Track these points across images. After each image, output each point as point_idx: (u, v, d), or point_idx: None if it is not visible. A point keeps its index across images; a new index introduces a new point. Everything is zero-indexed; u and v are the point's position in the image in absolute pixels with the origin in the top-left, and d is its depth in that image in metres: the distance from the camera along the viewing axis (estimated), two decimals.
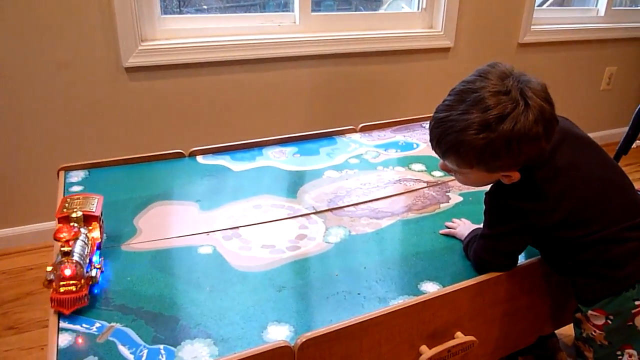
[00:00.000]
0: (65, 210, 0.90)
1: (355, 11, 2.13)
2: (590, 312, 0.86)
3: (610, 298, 0.83)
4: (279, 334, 0.78)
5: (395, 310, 0.80)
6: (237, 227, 1.08)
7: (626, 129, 1.93)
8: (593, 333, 0.88)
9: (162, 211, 1.13)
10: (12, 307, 1.49)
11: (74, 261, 0.78)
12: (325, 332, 0.75)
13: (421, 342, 0.86)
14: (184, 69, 1.73)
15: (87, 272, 0.81)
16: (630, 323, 0.84)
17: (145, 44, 1.66)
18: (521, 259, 0.95)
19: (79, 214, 0.89)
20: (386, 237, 1.05)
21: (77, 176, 1.25)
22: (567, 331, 1.21)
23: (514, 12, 2.24)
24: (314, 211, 1.15)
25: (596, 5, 2.60)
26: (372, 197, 1.22)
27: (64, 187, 1.20)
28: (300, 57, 1.87)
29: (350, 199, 1.21)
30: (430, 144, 0.87)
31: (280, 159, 1.42)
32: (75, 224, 0.86)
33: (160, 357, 0.74)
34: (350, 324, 0.77)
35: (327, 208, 1.17)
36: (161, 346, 0.75)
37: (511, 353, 1.07)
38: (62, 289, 0.77)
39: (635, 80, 2.78)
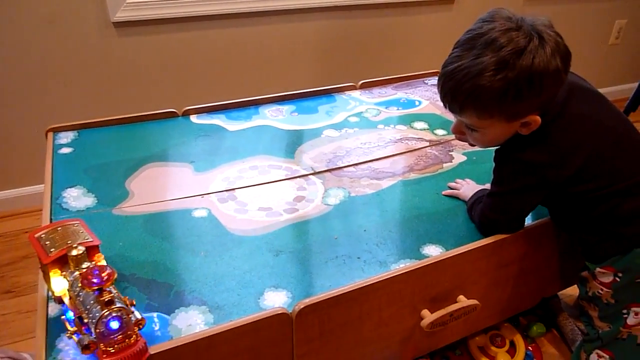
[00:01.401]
0: (53, 250, 0.68)
1: None
2: (598, 269, 0.84)
3: (620, 255, 0.81)
4: (276, 300, 0.76)
5: (397, 276, 0.77)
6: (233, 189, 1.05)
7: (636, 84, 1.87)
8: (600, 292, 0.86)
9: (155, 173, 1.09)
10: (9, 270, 1.48)
11: (118, 308, 0.59)
12: (323, 298, 0.72)
13: (423, 306, 0.84)
14: (177, 23, 1.65)
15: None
16: (638, 280, 0.82)
17: None
18: (527, 221, 0.91)
19: (82, 249, 0.66)
20: (387, 199, 1.02)
21: (66, 137, 1.21)
22: (568, 292, 1.19)
23: None
24: (312, 172, 1.11)
25: None
26: (373, 157, 1.17)
27: (53, 149, 1.15)
28: (299, 10, 1.78)
29: (350, 159, 1.17)
30: (443, 102, 0.81)
31: (278, 117, 1.37)
32: (88, 263, 0.67)
33: (153, 325, 0.71)
34: (349, 289, 0.74)
35: (326, 169, 1.13)
36: (154, 314, 0.73)
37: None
38: (113, 348, 0.60)
39: None
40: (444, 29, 2.11)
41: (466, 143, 0.90)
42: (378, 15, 1.95)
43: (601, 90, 2.35)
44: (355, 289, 0.74)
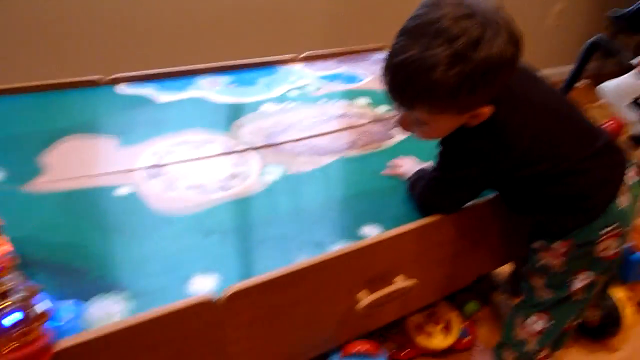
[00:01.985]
0: None
1: None
2: (556, 243, 0.85)
3: (580, 229, 0.82)
4: (204, 285, 0.70)
5: (333, 258, 0.74)
6: (162, 165, 0.97)
7: (569, 67, 1.92)
8: (552, 262, 0.87)
9: (74, 146, 1.00)
10: None
11: (13, 302, 0.52)
12: (255, 282, 0.68)
13: (360, 287, 0.81)
14: None
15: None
16: (591, 251, 0.83)
17: None
18: None
19: None
20: (326, 176, 0.98)
21: None
22: (501, 268, 1.22)
23: None
24: (249, 147, 1.05)
25: None
26: (313, 132, 1.13)
27: None
28: None
29: (289, 134, 1.12)
30: (390, 95, 0.74)
31: (214, 89, 1.29)
32: None
33: (68, 315, 0.64)
34: (283, 273, 0.70)
35: (264, 144, 1.07)
36: (70, 302, 0.66)
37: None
38: (10, 347, 0.51)
39: (585, 15, 2.76)
40: (393, 2, 2.06)
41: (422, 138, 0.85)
42: None
43: (541, 72, 2.36)
44: (290, 272, 0.70)
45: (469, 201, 0.87)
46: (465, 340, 1.10)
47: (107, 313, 0.65)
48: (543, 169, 0.79)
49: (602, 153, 0.82)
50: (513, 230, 1.01)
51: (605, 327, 1.11)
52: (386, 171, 0.99)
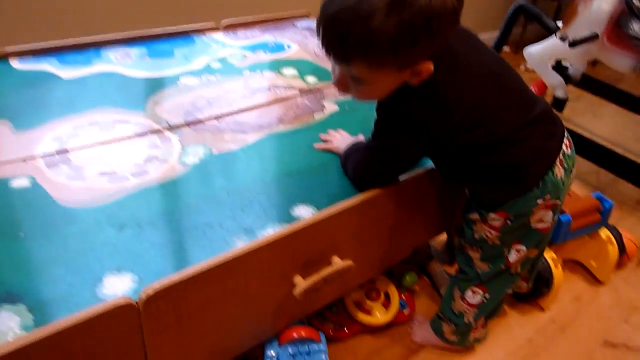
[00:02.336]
0: None
1: None
2: (491, 214, 0.83)
3: (515, 199, 0.80)
4: (118, 287, 0.62)
5: (264, 245, 0.68)
6: (66, 151, 0.86)
7: (493, 33, 1.94)
8: (488, 234, 0.85)
9: None
10: None
11: None
12: (177, 279, 0.61)
13: (294, 272, 0.76)
14: None
15: None
16: (527, 222, 0.83)
17: None
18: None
19: None
20: (253, 155, 0.91)
21: None
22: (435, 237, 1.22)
23: None
24: (167, 127, 0.96)
25: None
26: (237, 107, 1.05)
27: None
28: None
29: (211, 110, 1.03)
30: (325, 50, 0.67)
31: (125, 62, 1.17)
32: None
33: None
34: (209, 266, 0.63)
35: (183, 122, 0.98)
36: None
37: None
38: None
39: None
40: None
41: (360, 99, 0.78)
42: None
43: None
44: (216, 266, 0.64)
45: (405, 171, 0.84)
46: (405, 312, 1.09)
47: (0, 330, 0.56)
48: (480, 135, 0.76)
49: (539, 121, 0.80)
50: (448, 200, 1.00)
51: (536, 288, 1.14)
52: (318, 145, 0.93)
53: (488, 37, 2.80)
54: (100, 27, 1.33)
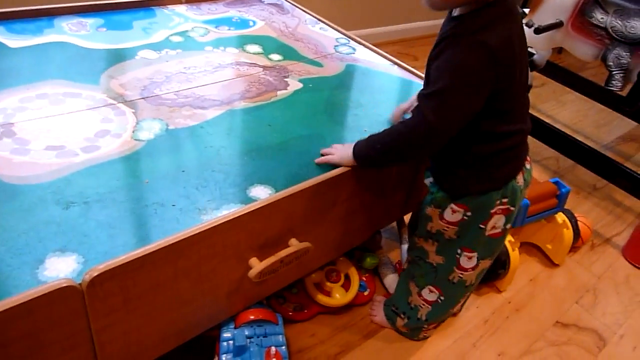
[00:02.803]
0: None
1: None
2: (452, 205, 0.82)
3: (476, 196, 0.80)
4: (61, 268, 0.59)
5: (217, 225, 0.66)
6: (11, 124, 0.81)
7: None
8: (445, 229, 0.85)
9: None
10: None
11: None
12: (124, 260, 0.58)
13: (250, 254, 0.75)
14: None
15: None
16: (483, 226, 0.83)
17: None
18: None
19: None
20: (212, 132, 0.88)
21: None
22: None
23: None
24: (122, 100, 0.92)
25: None
26: (198, 83, 1.01)
27: None
28: None
29: (169, 86, 0.99)
30: None
31: (79, 33, 1.11)
32: None
33: None
34: (158, 247, 0.61)
35: (139, 97, 0.94)
36: None
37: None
38: None
39: None
40: None
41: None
42: None
43: (430, 22, 2.41)
44: (166, 246, 0.61)
45: (456, 129, 0.72)
46: (365, 293, 1.10)
47: None
48: (498, 120, 0.74)
49: (526, 132, 0.81)
50: (407, 184, 1.00)
51: (494, 271, 1.16)
52: (320, 159, 0.85)
53: None
54: None
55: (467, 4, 0.69)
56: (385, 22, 2.59)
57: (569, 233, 1.28)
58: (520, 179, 0.81)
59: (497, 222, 0.83)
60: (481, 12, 0.68)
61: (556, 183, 1.25)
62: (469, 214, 0.82)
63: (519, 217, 1.18)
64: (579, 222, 1.33)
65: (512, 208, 0.82)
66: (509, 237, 1.17)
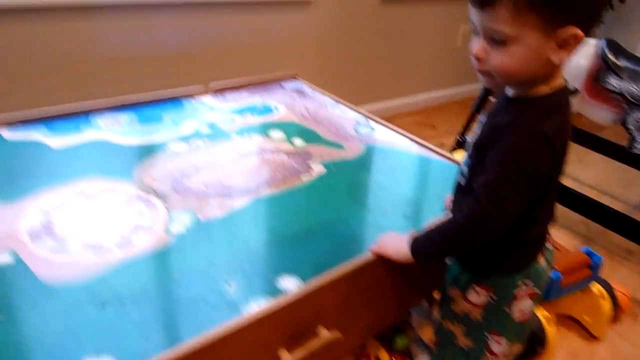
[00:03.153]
0: None
1: None
2: (475, 286, 0.81)
3: (500, 277, 0.79)
4: None
5: (249, 323, 0.67)
6: (51, 223, 0.86)
7: (480, 84, 1.99)
8: (470, 310, 0.84)
9: None
10: None
11: None
12: None
13: (280, 345, 0.75)
14: None
15: None
16: (507, 309, 0.81)
17: None
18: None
19: None
20: (240, 222, 0.91)
21: None
22: None
23: None
24: (153, 194, 0.96)
25: None
26: (225, 172, 1.06)
27: None
28: (137, 5, 1.58)
29: (199, 177, 1.03)
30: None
31: (114, 128, 1.18)
32: None
33: None
34: (191, 348, 0.62)
35: (170, 189, 0.98)
36: None
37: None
38: None
39: None
40: (300, 31, 2.05)
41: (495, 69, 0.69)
42: (230, 13, 1.82)
43: (450, 90, 2.51)
44: (199, 347, 0.62)
45: (511, 219, 0.71)
46: None
47: None
48: (542, 203, 0.74)
49: (553, 218, 0.80)
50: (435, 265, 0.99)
51: (531, 348, 1.12)
52: (372, 247, 0.85)
53: (471, 89, 2.89)
54: (90, 94, 1.36)
55: (526, 85, 0.69)
56: (403, 94, 2.68)
57: (606, 304, 1.24)
58: (541, 259, 0.80)
59: (523, 305, 0.81)
60: (540, 101, 0.69)
61: (588, 253, 1.23)
62: (492, 296, 0.80)
63: (552, 289, 1.15)
64: (616, 292, 1.29)
65: (537, 290, 0.81)
66: (543, 312, 1.14)
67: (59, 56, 1.52)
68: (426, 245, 0.77)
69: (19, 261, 0.76)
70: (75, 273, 0.75)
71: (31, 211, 0.88)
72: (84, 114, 1.21)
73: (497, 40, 0.66)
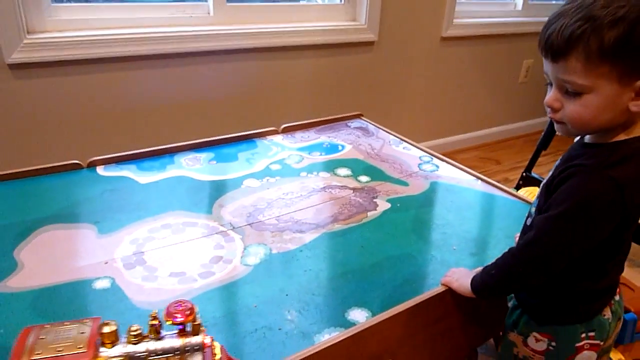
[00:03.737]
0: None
1: (275, 2, 2.01)
2: (535, 334, 0.81)
3: (563, 326, 0.78)
4: None
5: (321, 350, 0.71)
6: (142, 253, 0.95)
7: (544, 119, 1.97)
8: (531, 356, 0.83)
9: (51, 238, 0.97)
10: None
11: None
12: None
13: None
14: (81, 66, 1.53)
15: None
16: (569, 357, 0.79)
17: (33, 36, 1.44)
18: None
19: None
20: (310, 255, 0.96)
21: None
22: None
23: (437, 5, 2.22)
24: (231, 227, 1.04)
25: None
26: (295, 208, 1.12)
27: None
28: (214, 51, 1.73)
29: (271, 211, 1.11)
30: (543, 49, 0.67)
31: (195, 167, 1.29)
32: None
33: None
34: None
35: (246, 223, 1.06)
36: None
37: None
38: None
39: None
40: (364, 70, 2.13)
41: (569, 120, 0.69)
42: (299, 57, 1.93)
43: (514, 125, 2.50)
44: None
45: (567, 260, 0.71)
46: None
47: None
48: (605, 255, 0.73)
49: (622, 270, 0.79)
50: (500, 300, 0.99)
51: None
52: (443, 279, 0.87)
53: (537, 122, 2.84)
54: (172, 137, 1.48)
55: (602, 132, 0.68)
56: (467, 130, 2.68)
57: None
58: (607, 312, 0.78)
59: (586, 358, 0.79)
60: (615, 146, 0.67)
61: None
62: (553, 344, 0.79)
63: (627, 333, 1.11)
64: None
65: (601, 343, 0.78)
66: (619, 356, 1.09)
67: (143, 102, 1.68)
68: (483, 278, 0.78)
69: (116, 287, 0.85)
70: (164, 299, 0.83)
71: (125, 242, 0.98)
72: (168, 154, 1.33)
73: (570, 91, 0.66)
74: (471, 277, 0.81)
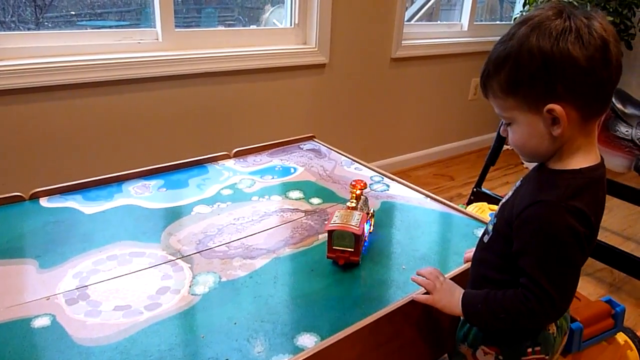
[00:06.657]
0: None
1: (236, 21, 2.02)
2: (483, 347, 0.83)
3: (508, 343, 0.80)
4: None
5: None
6: (85, 287, 0.92)
7: (493, 134, 2.04)
8: None
9: None
10: None
11: None
12: None
13: None
14: (26, 94, 1.49)
15: None
16: None
17: None
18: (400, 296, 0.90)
19: None
20: (260, 281, 0.95)
21: None
22: None
23: (386, 27, 2.28)
24: (179, 256, 1.02)
25: (460, 20, 2.75)
26: (246, 233, 1.11)
27: None
28: (163, 77, 1.72)
29: (221, 238, 1.09)
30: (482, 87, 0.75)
31: (144, 194, 1.26)
32: None
33: None
34: None
35: (194, 251, 1.04)
36: None
37: None
38: None
39: None
40: (316, 92, 2.16)
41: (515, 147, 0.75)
42: (248, 81, 1.94)
43: (466, 141, 2.57)
44: None
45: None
46: None
47: None
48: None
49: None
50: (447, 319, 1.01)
51: None
52: (419, 298, 0.87)
53: (485, 138, 2.93)
54: (121, 165, 1.46)
55: (547, 159, 0.73)
56: (419, 147, 2.74)
57: (634, 354, 1.22)
58: (552, 327, 0.81)
59: None
60: (569, 175, 0.70)
61: (609, 302, 1.22)
62: (500, 357, 0.82)
63: (574, 342, 1.14)
64: None
65: (547, 357, 0.81)
66: None
67: (91, 130, 1.65)
68: (486, 319, 0.78)
69: (57, 324, 0.82)
70: (107, 334, 0.80)
71: (67, 276, 0.94)
72: (115, 183, 1.30)
73: (505, 122, 0.74)
74: (457, 297, 0.81)
